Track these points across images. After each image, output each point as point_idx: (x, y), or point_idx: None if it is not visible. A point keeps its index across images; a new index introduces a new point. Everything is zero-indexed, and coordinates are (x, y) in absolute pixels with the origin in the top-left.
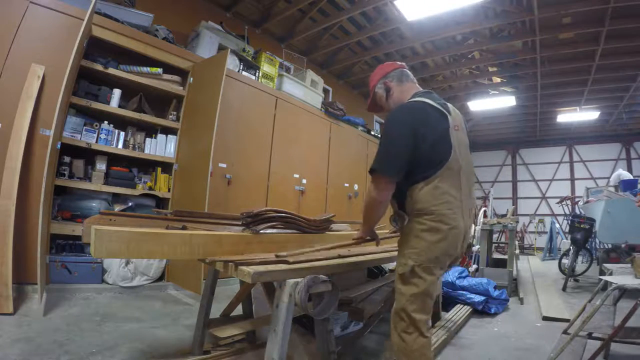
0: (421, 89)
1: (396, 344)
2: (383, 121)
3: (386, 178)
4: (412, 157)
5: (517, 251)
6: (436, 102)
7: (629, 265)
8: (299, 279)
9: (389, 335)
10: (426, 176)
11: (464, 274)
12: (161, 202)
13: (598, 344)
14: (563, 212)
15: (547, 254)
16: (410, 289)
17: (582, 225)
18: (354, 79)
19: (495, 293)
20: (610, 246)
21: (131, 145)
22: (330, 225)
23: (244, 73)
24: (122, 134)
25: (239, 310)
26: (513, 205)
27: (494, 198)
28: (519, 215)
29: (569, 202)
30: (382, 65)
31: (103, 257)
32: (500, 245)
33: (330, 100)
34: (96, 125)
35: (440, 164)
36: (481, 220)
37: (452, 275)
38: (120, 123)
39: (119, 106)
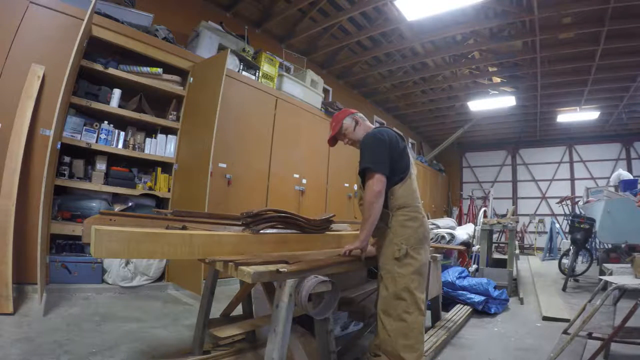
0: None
1: (393, 328)
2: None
3: (380, 174)
4: (390, 163)
5: (517, 251)
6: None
7: (629, 265)
8: (299, 279)
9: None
10: (402, 178)
11: (464, 274)
12: (161, 202)
13: (598, 344)
14: (563, 212)
15: (547, 254)
16: (407, 268)
17: (582, 225)
18: (354, 79)
19: (495, 293)
20: (610, 246)
21: (131, 145)
22: (330, 225)
23: (244, 73)
24: (122, 134)
25: (239, 310)
26: (513, 205)
27: (494, 198)
28: (519, 215)
29: (569, 202)
30: (343, 110)
31: (103, 257)
32: (500, 245)
33: (330, 100)
34: (96, 125)
35: (407, 170)
36: (481, 220)
37: (452, 275)
38: (120, 123)
39: (119, 106)
